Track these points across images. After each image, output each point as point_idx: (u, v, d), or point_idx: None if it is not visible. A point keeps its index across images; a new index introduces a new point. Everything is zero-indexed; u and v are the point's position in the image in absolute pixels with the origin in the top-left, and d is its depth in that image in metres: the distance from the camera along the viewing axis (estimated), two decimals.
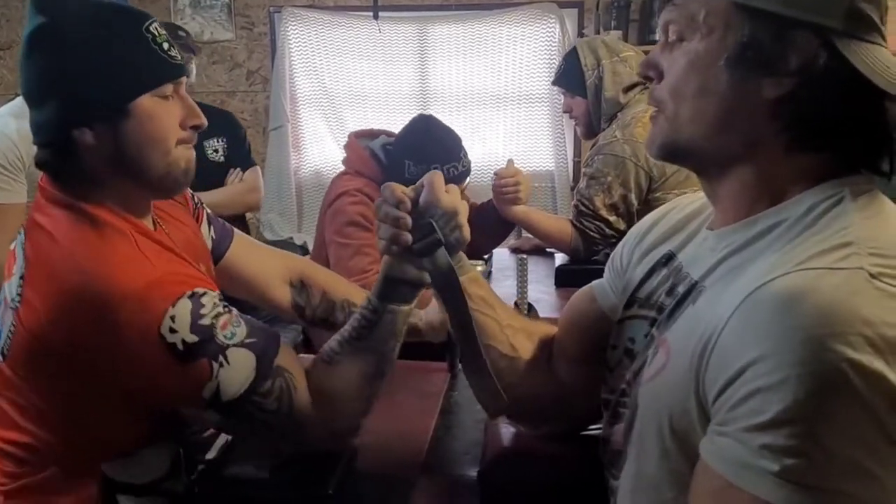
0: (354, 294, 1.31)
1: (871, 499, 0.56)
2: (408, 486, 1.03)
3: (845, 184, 0.68)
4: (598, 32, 3.47)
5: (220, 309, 0.90)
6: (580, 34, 3.69)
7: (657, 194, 2.02)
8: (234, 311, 0.93)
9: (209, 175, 2.46)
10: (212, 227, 1.22)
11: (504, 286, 2.13)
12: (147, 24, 0.94)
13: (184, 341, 0.86)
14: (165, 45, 0.95)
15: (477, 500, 1.00)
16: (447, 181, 1.87)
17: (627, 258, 0.93)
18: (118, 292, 0.85)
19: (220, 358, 0.88)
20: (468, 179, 1.98)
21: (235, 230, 1.27)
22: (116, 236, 0.91)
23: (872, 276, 0.59)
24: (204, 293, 0.89)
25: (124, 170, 0.94)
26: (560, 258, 2.34)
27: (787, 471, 0.56)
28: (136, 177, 0.95)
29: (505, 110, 3.79)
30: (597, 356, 0.92)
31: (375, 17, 3.27)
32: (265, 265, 1.26)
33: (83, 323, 0.85)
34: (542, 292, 2.07)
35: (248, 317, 0.94)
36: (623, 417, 0.79)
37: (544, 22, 3.68)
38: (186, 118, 0.97)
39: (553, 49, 3.67)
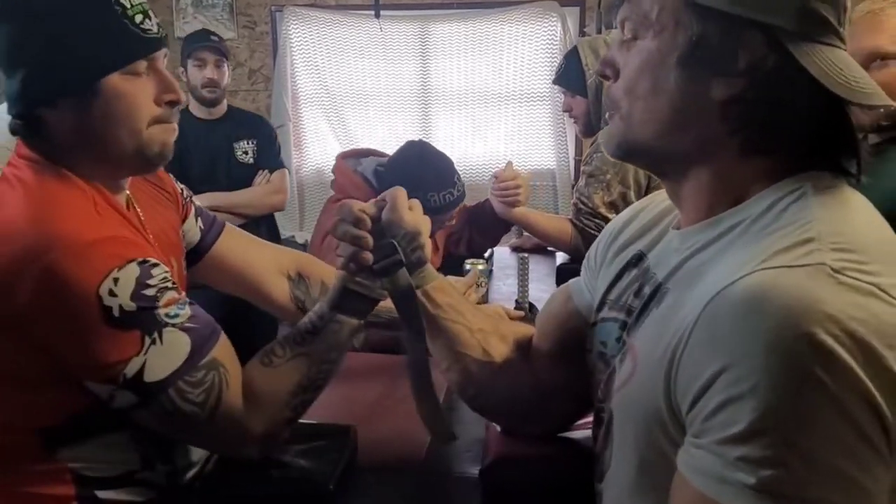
0: None
1: None
2: (409, 483, 1.04)
3: (807, 179, 0.67)
4: (599, 31, 3.47)
5: (169, 285, 0.86)
6: (581, 33, 3.70)
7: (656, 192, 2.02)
8: (182, 293, 0.89)
9: (238, 175, 2.59)
10: (199, 219, 1.17)
11: (505, 285, 2.13)
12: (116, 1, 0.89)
13: (121, 307, 0.80)
14: (138, 18, 0.89)
15: (478, 498, 1.00)
16: (443, 208, 1.82)
17: (601, 257, 0.92)
18: (62, 238, 0.80)
19: (155, 335, 0.83)
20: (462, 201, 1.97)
21: (227, 224, 1.23)
22: (76, 192, 0.88)
23: (835, 270, 0.57)
24: (156, 264, 0.85)
25: (91, 147, 0.90)
26: (561, 257, 2.34)
27: (764, 482, 0.54)
28: (103, 155, 0.91)
29: (506, 109, 3.80)
30: (574, 355, 0.91)
31: (377, 15, 3.28)
32: (258, 257, 1.21)
33: (16, 262, 0.79)
34: (544, 291, 2.07)
35: (196, 304, 0.90)
36: (601, 423, 0.78)
37: (546, 20, 3.68)
38: (161, 94, 0.92)
39: (555, 48, 3.68)
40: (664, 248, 0.78)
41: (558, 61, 3.68)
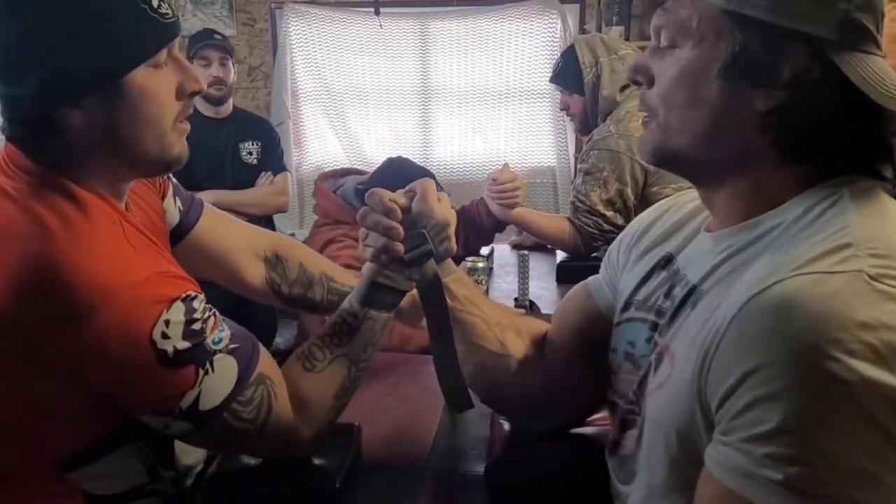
0: (332, 269, 1.25)
1: None
2: (414, 481, 1.04)
3: (843, 184, 0.67)
4: (599, 28, 3.47)
5: (209, 311, 0.85)
6: (581, 30, 3.69)
7: (654, 188, 2.02)
8: (216, 311, 0.87)
9: (242, 176, 2.63)
10: (177, 199, 1.11)
11: (505, 282, 2.14)
12: None
13: (175, 348, 0.79)
14: (155, 2, 0.82)
15: (483, 495, 1.00)
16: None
17: (624, 257, 0.92)
18: (110, 293, 0.77)
19: (207, 365, 0.82)
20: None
21: (205, 203, 1.18)
22: (104, 220, 0.82)
23: (872, 277, 0.57)
24: (196, 296, 0.84)
25: (113, 150, 0.84)
26: (561, 255, 2.35)
27: (791, 479, 0.55)
28: (125, 158, 0.85)
29: (506, 106, 3.80)
30: (592, 355, 0.92)
31: (377, 12, 3.28)
32: (236, 240, 1.16)
33: (66, 319, 0.76)
34: (544, 289, 2.07)
35: (227, 319, 0.90)
36: (635, 425, 0.79)
37: (546, 18, 3.68)
38: (183, 84, 0.86)
39: (554, 45, 3.67)
40: (695, 251, 0.79)
41: (556, 59, 3.71)
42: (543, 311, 1.76)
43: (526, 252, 1.94)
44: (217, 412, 0.84)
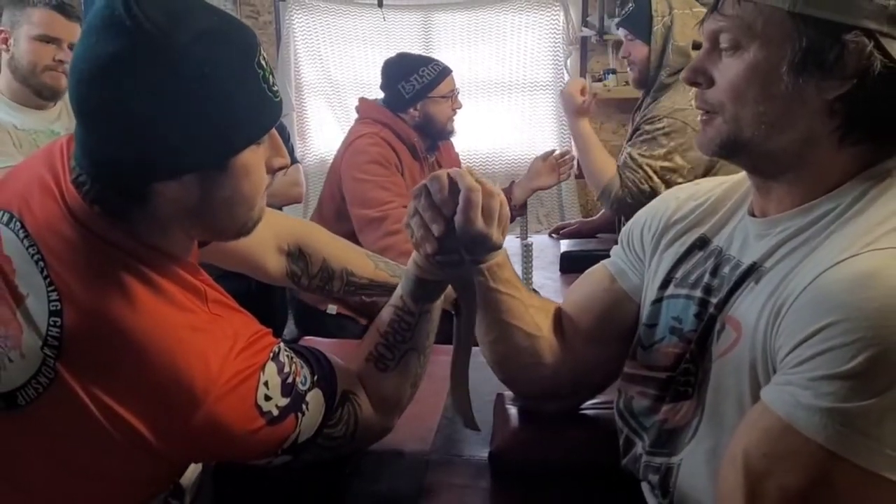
0: (354, 262, 1.26)
1: None
2: (420, 466, 1.05)
3: (890, 169, 0.73)
4: (601, 20, 3.47)
5: (290, 358, 0.87)
6: (584, 22, 3.69)
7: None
8: (291, 351, 0.89)
9: None
10: None
11: None
12: (259, 55, 0.77)
13: (277, 406, 0.82)
14: (271, 80, 0.78)
15: (488, 479, 1.02)
16: (437, 78, 2.12)
17: (650, 243, 0.97)
18: (209, 378, 0.77)
19: (303, 407, 0.86)
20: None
21: None
22: (190, 301, 0.80)
23: None
24: (278, 350, 0.85)
25: (199, 221, 0.81)
26: (565, 244, 2.36)
27: (837, 411, 0.61)
28: (208, 229, 0.84)
29: (510, 98, 3.80)
30: (613, 334, 0.97)
31: (380, 5, 3.28)
32: (261, 236, 1.11)
33: (178, 410, 0.76)
34: (548, 278, 2.09)
35: (294, 346, 0.92)
36: (688, 395, 0.82)
37: (548, 10, 3.68)
38: (272, 160, 0.83)
39: (557, 37, 3.68)
40: (739, 234, 0.84)
41: (562, 50, 3.71)
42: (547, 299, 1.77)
43: (530, 242, 1.96)
44: (312, 441, 0.88)
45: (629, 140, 2.04)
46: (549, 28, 3.70)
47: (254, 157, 0.80)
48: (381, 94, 2.27)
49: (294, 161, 2.76)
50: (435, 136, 2.23)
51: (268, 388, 0.81)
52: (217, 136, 0.75)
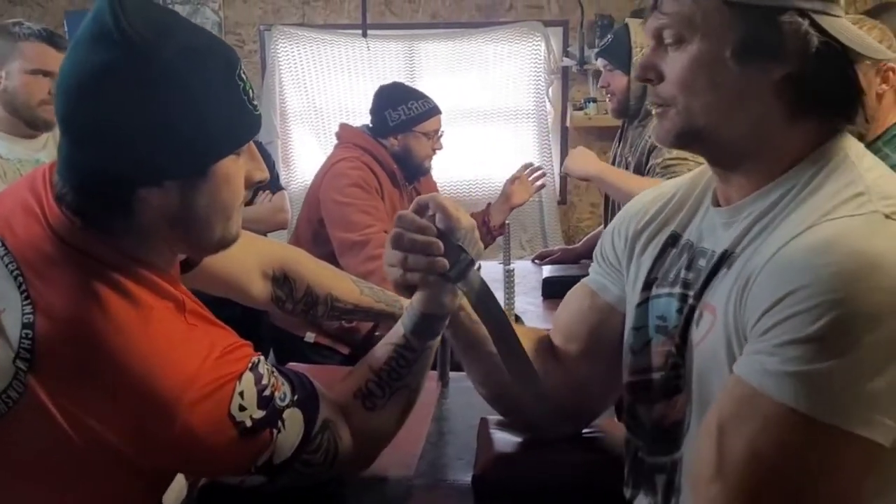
0: (338, 287, 1.26)
1: (878, 428, 0.64)
2: (404, 491, 1.06)
3: (841, 146, 0.78)
4: (582, 50, 3.54)
5: (271, 372, 0.87)
6: (565, 52, 3.77)
7: None
8: (273, 367, 0.89)
9: None
10: None
11: None
12: (239, 69, 0.82)
13: (251, 418, 0.82)
14: (251, 93, 0.83)
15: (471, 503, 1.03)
16: (425, 113, 2.13)
17: (624, 251, 0.98)
18: (183, 380, 0.77)
19: (279, 423, 0.85)
20: None
21: None
22: (167, 309, 0.81)
23: (887, 216, 0.69)
24: (258, 361, 0.85)
25: (180, 231, 0.83)
26: (547, 270, 2.38)
27: (807, 374, 0.65)
28: (189, 239, 0.86)
29: (492, 126, 3.85)
30: (607, 348, 0.98)
31: (364, 34, 3.33)
32: (245, 261, 1.16)
33: (153, 416, 0.77)
34: (530, 304, 2.10)
35: (279, 367, 0.92)
36: (680, 389, 0.84)
37: (530, 40, 3.74)
38: (252, 173, 0.86)
39: (539, 66, 3.74)
40: (707, 225, 0.87)
41: (543, 79, 3.77)
42: (528, 326, 1.79)
43: (512, 267, 1.98)
44: (289, 464, 0.87)
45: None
46: (530, 58, 3.77)
47: (234, 167, 0.83)
48: (364, 122, 2.30)
49: (279, 188, 2.79)
50: (411, 169, 2.24)
51: (243, 399, 0.81)
52: (199, 144, 0.78)
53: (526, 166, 2.47)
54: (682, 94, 0.79)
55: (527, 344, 1.02)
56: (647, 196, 1.00)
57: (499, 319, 0.95)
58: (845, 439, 0.64)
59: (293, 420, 0.87)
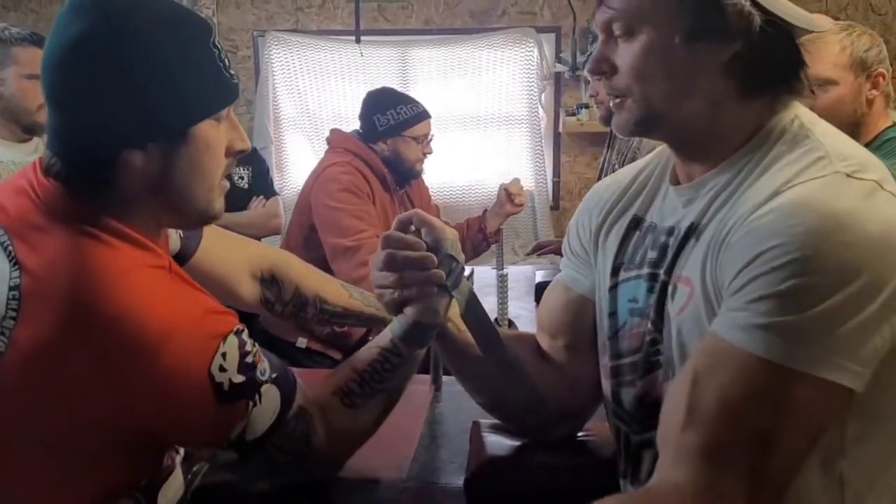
0: (327, 289, 1.28)
1: (846, 373, 0.67)
2: (394, 494, 1.06)
3: (793, 114, 0.81)
4: (574, 56, 3.56)
5: (254, 344, 0.87)
6: (558, 58, 3.78)
7: None
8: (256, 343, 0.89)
9: (234, 199, 2.67)
10: None
11: (485, 302, 2.16)
12: (213, 37, 0.85)
13: (230, 381, 0.81)
14: (226, 62, 0.87)
15: None
16: (413, 119, 2.12)
17: (589, 241, 0.99)
18: (164, 330, 0.77)
19: (256, 397, 0.85)
20: None
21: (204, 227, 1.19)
22: (154, 263, 0.83)
23: (848, 175, 0.72)
24: (243, 329, 0.86)
25: (163, 197, 0.86)
26: (540, 275, 2.39)
27: (778, 326, 0.67)
28: (172, 206, 0.87)
29: (485, 132, 3.87)
30: (590, 339, 0.98)
31: (358, 40, 3.33)
32: (234, 262, 1.18)
33: (126, 358, 0.77)
34: (522, 308, 2.11)
35: (263, 349, 0.91)
36: (659, 364, 0.85)
37: (523, 46, 3.76)
38: (233, 142, 0.89)
39: (531, 72, 3.76)
40: (668, 205, 0.89)
41: (536, 85, 3.79)
42: (522, 331, 1.80)
43: (505, 272, 1.98)
44: (261, 443, 0.87)
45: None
46: (523, 64, 3.78)
47: (214, 133, 0.86)
48: (356, 128, 2.30)
49: (273, 193, 2.79)
50: (402, 174, 2.25)
51: (224, 360, 0.81)
52: (176, 107, 0.82)
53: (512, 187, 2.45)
54: (636, 84, 0.81)
55: (516, 348, 1.03)
56: (604, 184, 1.02)
57: (486, 325, 0.98)
58: (815, 385, 0.67)
59: (270, 397, 0.86)
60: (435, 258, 0.93)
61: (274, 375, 0.88)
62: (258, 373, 0.85)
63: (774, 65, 0.80)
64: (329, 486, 1.03)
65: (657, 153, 0.95)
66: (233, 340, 0.83)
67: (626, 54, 0.81)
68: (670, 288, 0.83)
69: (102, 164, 0.82)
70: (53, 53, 0.82)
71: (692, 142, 0.84)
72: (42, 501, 0.83)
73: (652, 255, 0.87)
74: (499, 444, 1.09)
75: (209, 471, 1.03)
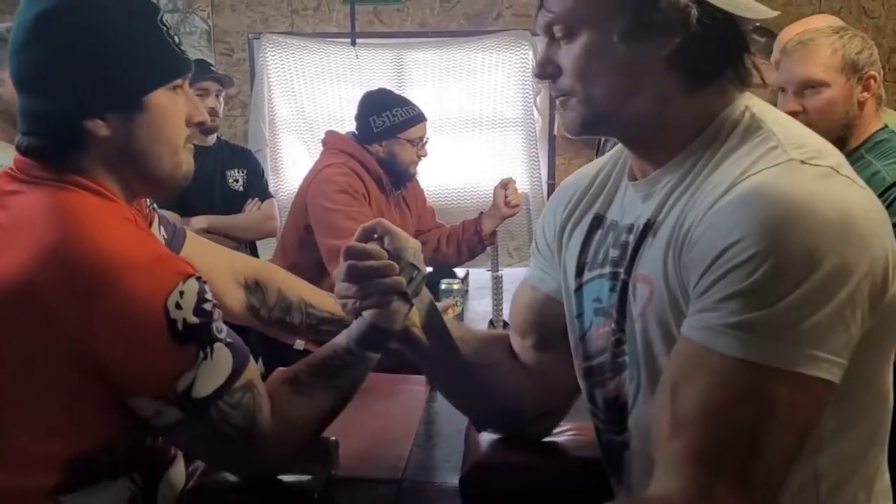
0: (311, 294, 1.29)
1: (821, 364, 0.67)
2: (390, 493, 1.07)
3: (742, 105, 0.81)
4: None
5: (214, 303, 0.88)
6: None
7: None
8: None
9: (229, 201, 2.70)
10: (162, 228, 1.15)
11: (481, 304, 2.18)
12: (160, 15, 0.93)
13: (184, 321, 0.83)
14: (176, 39, 0.94)
15: None
16: (408, 121, 2.15)
17: (554, 240, 1.00)
18: (124, 259, 0.82)
19: (208, 349, 0.85)
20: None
21: (188, 232, 1.22)
22: (116, 209, 0.90)
23: (803, 161, 0.73)
24: (205, 282, 0.88)
25: (130, 164, 0.93)
26: None
27: (748, 323, 0.67)
28: (141, 172, 0.94)
29: (480, 134, 3.87)
30: (559, 337, 0.98)
31: (353, 43, 3.35)
32: (217, 268, 1.20)
33: (77, 284, 0.81)
34: None
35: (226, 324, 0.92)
36: (625, 365, 0.85)
37: (518, 48, 3.77)
38: (192, 114, 0.97)
39: (526, 75, 3.76)
40: (628, 201, 0.89)
41: (531, 87, 3.80)
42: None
43: (500, 274, 1.99)
44: (207, 403, 0.86)
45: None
46: (518, 66, 3.79)
47: (170, 103, 0.93)
48: (351, 130, 2.30)
49: (268, 196, 2.79)
50: (396, 175, 2.25)
51: (181, 298, 0.83)
52: (127, 78, 0.90)
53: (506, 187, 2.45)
54: (579, 84, 0.81)
55: (490, 348, 1.05)
56: (567, 184, 1.02)
57: (445, 338, 1.00)
58: (792, 380, 0.67)
59: (222, 356, 0.87)
60: (396, 266, 0.94)
61: (229, 340, 0.89)
62: (214, 326, 0.86)
63: (717, 55, 0.79)
64: (325, 485, 1.03)
65: (617, 149, 0.95)
66: (193, 283, 0.85)
67: (568, 55, 0.81)
68: (630, 287, 0.83)
69: (69, 135, 0.89)
70: (15, 38, 0.90)
71: (643, 138, 0.85)
72: (14, 458, 0.86)
73: (614, 253, 0.87)
74: (494, 444, 1.10)
75: (205, 470, 1.04)
